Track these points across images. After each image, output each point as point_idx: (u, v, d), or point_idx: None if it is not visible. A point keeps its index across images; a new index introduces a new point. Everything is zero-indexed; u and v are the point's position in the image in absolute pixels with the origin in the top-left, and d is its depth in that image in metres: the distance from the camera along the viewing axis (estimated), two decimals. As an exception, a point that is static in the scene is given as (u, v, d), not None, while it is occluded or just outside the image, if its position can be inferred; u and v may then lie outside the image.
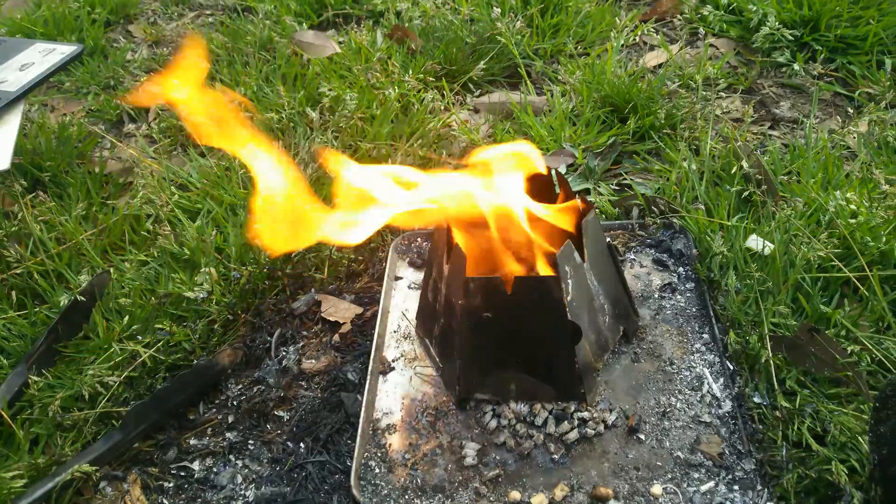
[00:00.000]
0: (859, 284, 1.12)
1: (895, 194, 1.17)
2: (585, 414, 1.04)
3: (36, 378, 1.09)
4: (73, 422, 1.06)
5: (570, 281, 0.98)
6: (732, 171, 1.33)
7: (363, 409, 1.06)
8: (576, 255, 1.00)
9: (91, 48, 2.05)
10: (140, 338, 1.17)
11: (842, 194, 1.19)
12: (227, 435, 1.08)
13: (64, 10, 2.14)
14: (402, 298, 1.26)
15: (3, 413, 1.05)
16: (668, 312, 1.19)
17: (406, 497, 0.97)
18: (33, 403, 1.09)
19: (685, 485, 0.96)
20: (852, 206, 1.17)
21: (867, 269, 1.11)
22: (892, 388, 0.87)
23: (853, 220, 1.16)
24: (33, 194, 1.43)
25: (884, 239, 1.15)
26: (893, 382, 0.90)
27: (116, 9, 2.26)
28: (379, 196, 1.00)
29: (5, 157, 1.27)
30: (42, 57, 1.55)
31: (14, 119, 1.39)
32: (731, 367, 1.08)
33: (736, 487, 0.95)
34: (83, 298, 1.17)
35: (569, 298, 0.98)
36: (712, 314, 1.15)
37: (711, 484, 0.95)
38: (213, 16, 2.26)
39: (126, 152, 1.63)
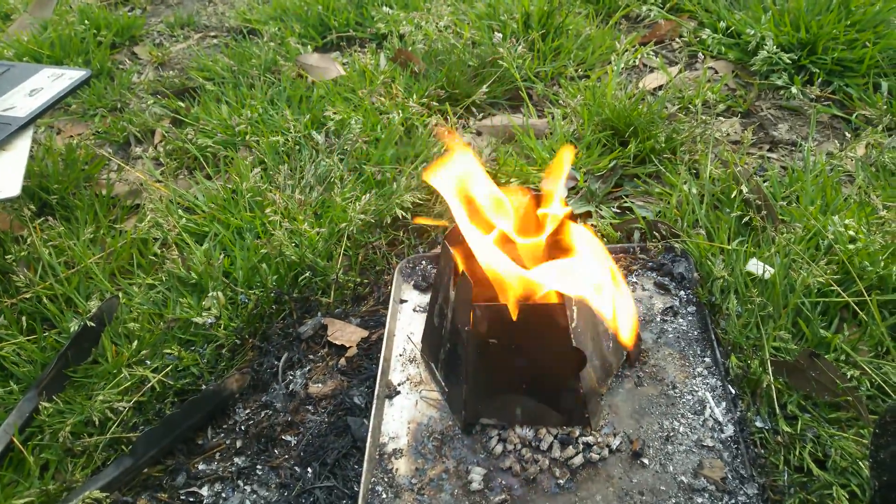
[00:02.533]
0: (858, 309, 1.13)
1: (893, 220, 1.19)
2: (590, 438, 1.05)
3: (46, 404, 1.10)
4: (83, 447, 1.07)
5: (574, 308, 1.00)
6: (732, 196, 1.35)
7: (369, 433, 1.07)
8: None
9: (97, 70, 2.08)
10: (149, 363, 1.18)
11: (840, 219, 1.21)
12: (236, 460, 1.09)
13: (70, 32, 2.17)
14: (407, 321, 1.28)
15: (14, 439, 1.06)
16: (671, 336, 1.20)
17: (413, 522, 0.98)
18: (44, 429, 1.10)
19: (689, 510, 0.97)
20: (851, 232, 1.19)
21: (866, 294, 1.13)
22: (891, 415, 0.88)
23: (852, 246, 1.18)
24: (42, 219, 1.45)
25: (882, 264, 1.17)
26: (892, 409, 0.91)
27: (122, 31, 2.29)
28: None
29: (16, 183, 1.28)
30: (51, 82, 1.58)
31: (23, 144, 1.41)
32: (733, 392, 1.10)
33: (739, 512, 0.96)
34: (93, 324, 1.18)
35: (573, 325, 1.00)
36: (714, 338, 1.17)
37: (715, 509, 0.97)
38: (218, 38, 2.29)
39: (133, 175, 1.65)
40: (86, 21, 2.24)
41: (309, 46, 2.06)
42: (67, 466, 1.06)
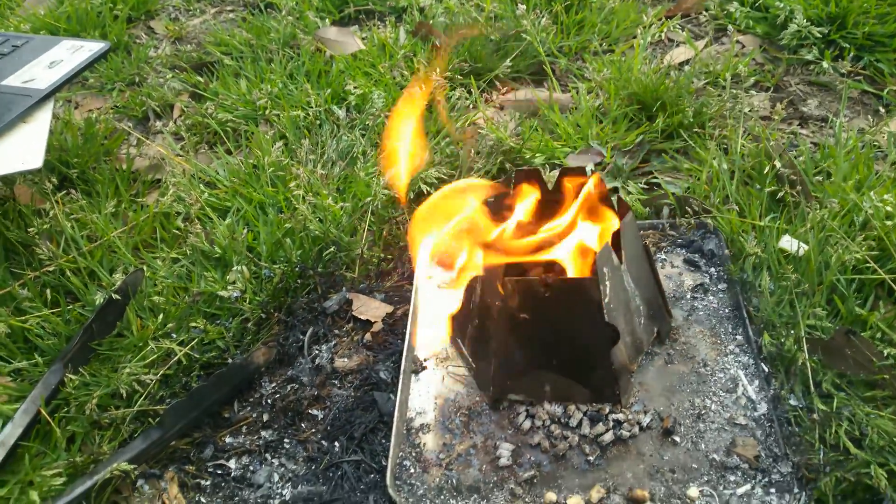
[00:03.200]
0: (895, 286, 1.11)
1: (931, 196, 1.16)
2: (620, 416, 1.04)
3: (72, 376, 1.10)
4: (110, 420, 1.07)
5: (607, 283, 0.98)
6: (764, 171, 1.33)
7: (396, 408, 1.06)
8: (614, 256, 1.00)
9: (114, 44, 2.06)
10: (174, 336, 1.18)
11: (877, 195, 1.18)
12: (263, 433, 1.08)
13: (87, 6, 2.15)
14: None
15: (42, 411, 1.05)
16: (701, 313, 1.18)
17: (442, 497, 0.98)
18: (70, 402, 1.10)
19: (721, 487, 0.96)
20: (888, 208, 1.16)
21: (903, 271, 1.10)
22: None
23: (889, 222, 1.16)
24: (64, 192, 1.44)
25: (920, 240, 1.14)
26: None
27: (138, 5, 2.26)
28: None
29: (38, 155, 1.27)
30: (70, 54, 1.56)
31: (45, 117, 1.39)
32: (766, 369, 1.08)
33: (773, 491, 0.95)
34: (118, 297, 1.18)
35: (606, 300, 0.98)
36: (746, 315, 1.15)
37: (748, 487, 0.95)
38: (235, 12, 2.27)
39: (153, 149, 1.64)
40: (102, -6, 2.21)
41: (327, 20, 2.03)
42: (94, 438, 1.06)
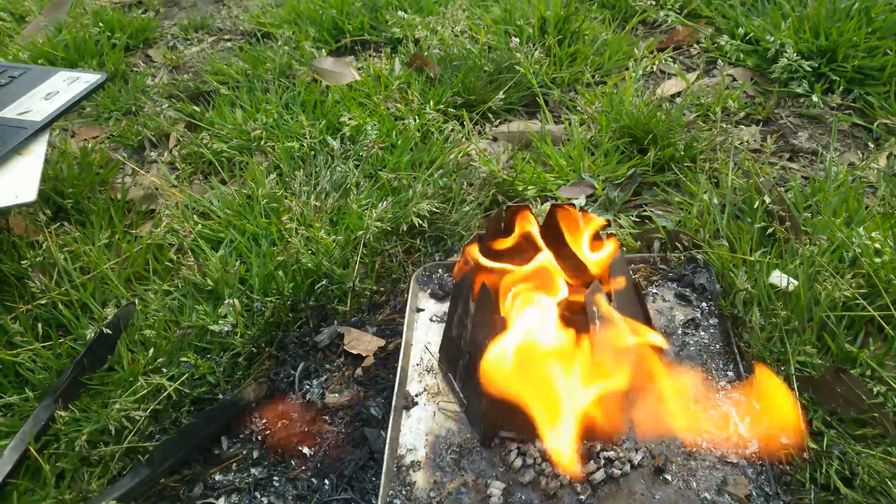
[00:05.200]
0: (884, 324, 1.11)
1: (919, 233, 1.17)
2: (611, 454, 1.03)
3: (62, 412, 1.10)
4: (99, 457, 1.06)
5: (597, 322, 0.99)
6: (755, 206, 1.34)
7: (387, 445, 1.06)
8: (603, 296, 1.00)
9: (111, 73, 2.07)
10: (165, 371, 1.17)
11: (865, 232, 1.19)
12: (252, 471, 1.08)
13: (85, 34, 2.17)
14: (424, 331, 1.26)
15: (30, 447, 1.05)
16: (692, 349, 1.18)
17: (432, 537, 0.97)
18: (59, 437, 1.09)
19: (713, 527, 0.95)
20: (876, 245, 1.17)
21: (892, 308, 1.11)
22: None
23: (878, 259, 1.16)
24: (57, 224, 1.44)
25: (909, 278, 1.15)
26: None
27: (136, 34, 2.29)
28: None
29: (32, 188, 1.28)
30: (67, 85, 1.57)
31: (39, 149, 1.40)
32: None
33: (764, 531, 0.94)
34: (109, 331, 1.18)
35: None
36: (737, 351, 1.15)
37: (739, 527, 0.95)
38: (232, 41, 2.29)
39: (148, 179, 1.64)
40: (100, 23, 2.23)
41: (323, 50, 2.05)
42: (83, 475, 1.06)
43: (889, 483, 0.94)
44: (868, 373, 1.08)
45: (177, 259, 1.38)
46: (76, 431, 1.08)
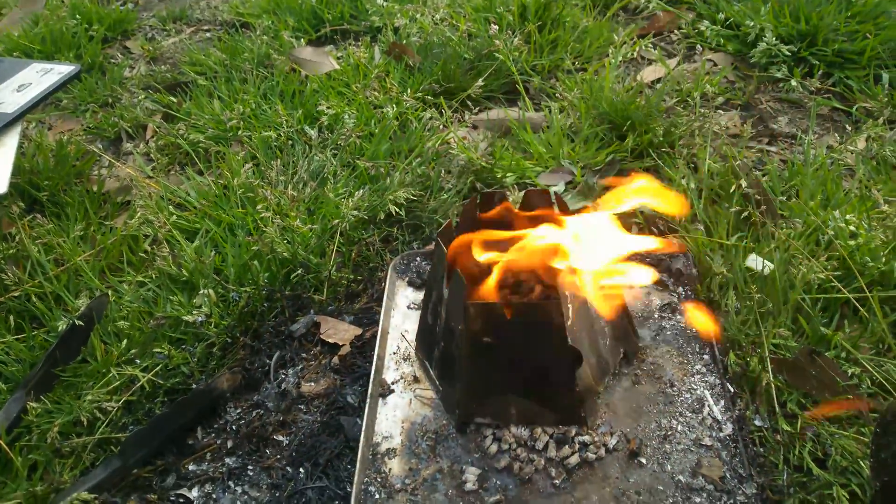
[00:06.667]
0: (859, 306, 1.11)
1: (894, 214, 1.17)
2: (586, 438, 1.03)
3: (34, 404, 1.09)
4: (71, 448, 1.05)
5: (570, 306, 0.98)
6: (731, 191, 1.33)
7: (363, 433, 1.05)
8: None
9: (88, 65, 2.05)
10: (138, 361, 1.16)
11: (841, 214, 1.19)
12: (227, 460, 1.07)
13: (61, 27, 2.14)
14: (401, 319, 1.26)
15: (1, 440, 1.04)
16: (669, 333, 1.18)
17: (406, 523, 0.97)
18: (32, 430, 1.08)
19: (687, 510, 0.95)
20: (851, 227, 1.17)
21: (867, 290, 1.11)
22: (892, 414, 0.86)
23: (852, 242, 1.16)
24: (31, 216, 1.43)
25: (883, 259, 1.15)
26: (894, 408, 0.90)
27: (114, 25, 2.26)
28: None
29: (3, 180, 1.27)
30: (39, 77, 1.56)
31: (11, 142, 1.39)
32: (732, 390, 1.08)
33: (738, 512, 0.94)
34: (81, 323, 1.16)
35: (569, 323, 0.98)
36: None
37: (713, 509, 0.95)
38: (211, 31, 2.27)
39: (124, 171, 1.63)
40: (77, 15, 2.21)
41: (302, 40, 2.03)
42: (55, 467, 1.05)
43: (861, 463, 0.94)
44: (843, 355, 1.08)
45: (151, 250, 1.37)
46: (48, 423, 1.07)
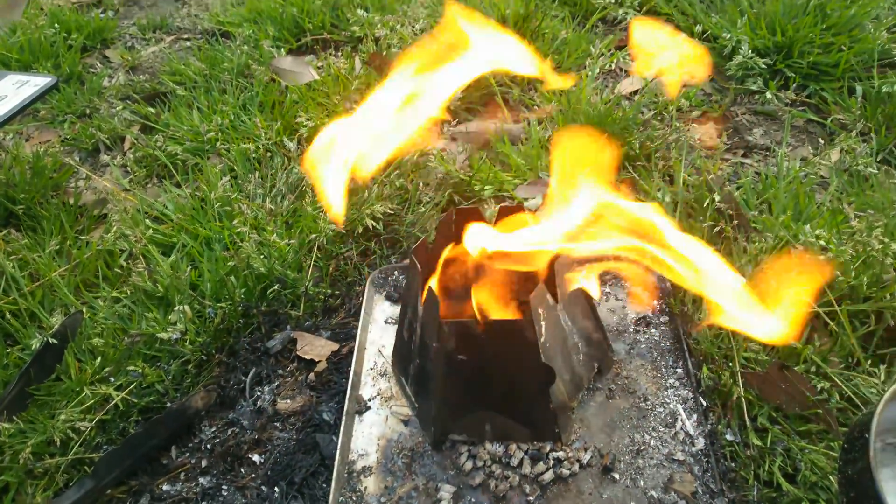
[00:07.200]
0: (828, 320, 1.13)
1: (863, 230, 1.19)
2: (560, 454, 1.04)
3: (7, 424, 1.08)
4: (44, 469, 1.05)
5: (542, 323, 0.99)
6: (705, 205, 1.35)
7: (338, 451, 1.05)
8: (548, 297, 1.00)
9: (67, 75, 2.04)
10: (112, 380, 1.16)
11: (812, 229, 1.20)
12: (201, 480, 1.07)
13: (39, 36, 2.13)
14: (378, 334, 1.26)
15: (-28, 462, 1.03)
16: (643, 346, 1.19)
17: (381, 542, 0.97)
18: (4, 450, 1.07)
19: (659, 526, 0.96)
20: (822, 242, 1.18)
21: (836, 305, 1.12)
22: (859, 430, 0.87)
23: (822, 256, 1.18)
24: (6, 230, 1.42)
25: (853, 274, 1.16)
26: (860, 423, 0.91)
27: (93, 34, 2.25)
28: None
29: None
30: (16, 89, 1.54)
31: (-14, 155, 1.38)
32: (704, 404, 1.09)
33: (709, 528, 0.95)
34: (55, 341, 1.16)
35: (542, 340, 0.99)
36: (686, 348, 1.16)
37: (685, 524, 0.96)
38: (191, 40, 2.26)
39: (101, 183, 1.62)
40: (56, 24, 2.20)
41: (283, 49, 2.03)
42: (28, 489, 1.04)
43: (830, 478, 0.96)
44: (813, 369, 1.09)
45: (127, 265, 1.36)
46: (21, 444, 1.06)
